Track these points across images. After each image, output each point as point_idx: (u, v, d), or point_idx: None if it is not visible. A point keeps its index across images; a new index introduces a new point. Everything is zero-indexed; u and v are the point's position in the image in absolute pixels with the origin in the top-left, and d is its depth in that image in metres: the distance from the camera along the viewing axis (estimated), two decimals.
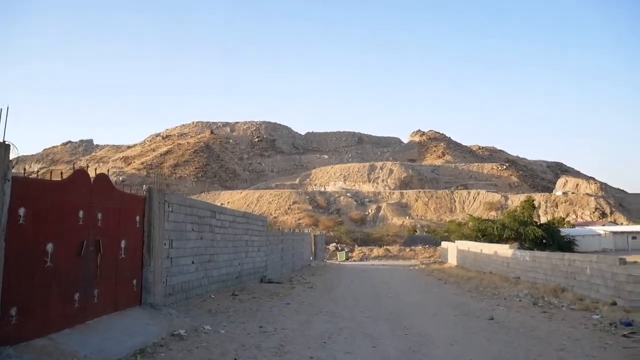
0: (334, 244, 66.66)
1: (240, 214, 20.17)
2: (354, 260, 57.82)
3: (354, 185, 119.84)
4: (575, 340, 10.34)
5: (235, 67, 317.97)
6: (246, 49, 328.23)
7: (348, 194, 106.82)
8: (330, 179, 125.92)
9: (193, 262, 14.12)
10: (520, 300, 16.61)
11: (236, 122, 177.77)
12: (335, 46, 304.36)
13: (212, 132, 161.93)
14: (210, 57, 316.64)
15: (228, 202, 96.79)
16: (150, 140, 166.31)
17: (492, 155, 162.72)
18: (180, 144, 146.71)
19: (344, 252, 60.19)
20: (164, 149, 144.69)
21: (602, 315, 12.99)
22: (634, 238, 63.29)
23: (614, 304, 14.57)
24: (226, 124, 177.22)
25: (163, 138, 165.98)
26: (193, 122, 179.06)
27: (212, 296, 15.23)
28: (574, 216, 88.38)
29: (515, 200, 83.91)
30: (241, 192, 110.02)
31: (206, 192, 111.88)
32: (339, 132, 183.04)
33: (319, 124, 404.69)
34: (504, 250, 26.81)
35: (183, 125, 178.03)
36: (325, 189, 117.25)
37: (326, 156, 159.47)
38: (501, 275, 24.94)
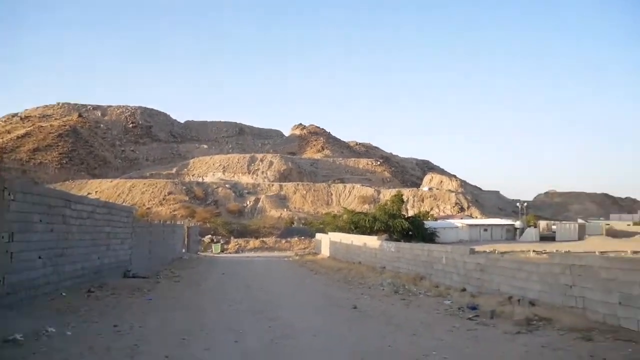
0: (210, 236, 65.21)
1: (101, 204, 18.66)
2: (230, 253, 57.09)
3: (234, 177, 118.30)
4: (427, 325, 11.05)
5: (108, 47, 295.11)
6: None
7: (227, 185, 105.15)
8: (209, 169, 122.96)
9: (40, 257, 12.70)
10: (383, 289, 17.49)
11: (109, 106, 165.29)
12: (219, 35, 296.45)
13: (80, 115, 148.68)
14: (78, 31, 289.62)
15: (96, 192, 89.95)
16: (5, 121, 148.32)
17: (368, 151, 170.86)
18: (41, 126, 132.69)
19: (219, 244, 59.11)
20: (22, 131, 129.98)
21: (453, 301, 14.10)
22: (485, 230, 70.51)
23: (464, 290, 15.92)
24: (97, 107, 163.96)
25: (21, 119, 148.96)
26: (58, 104, 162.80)
27: (64, 294, 13.86)
28: (437, 210, 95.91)
29: (387, 195, 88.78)
30: (112, 181, 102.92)
31: (71, 180, 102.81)
32: (220, 122, 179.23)
33: (199, 112, 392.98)
34: (373, 241, 28.15)
35: (46, 106, 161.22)
36: (203, 179, 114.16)
37: (205, 146, 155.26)
38: (369, 266, 26.14)
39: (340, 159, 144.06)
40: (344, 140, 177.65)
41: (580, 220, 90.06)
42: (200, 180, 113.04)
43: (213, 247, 57.64)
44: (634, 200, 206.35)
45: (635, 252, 41.90)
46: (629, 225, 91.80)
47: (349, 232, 40.73)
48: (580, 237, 67.38)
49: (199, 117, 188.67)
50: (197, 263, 34.13)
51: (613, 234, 73.63)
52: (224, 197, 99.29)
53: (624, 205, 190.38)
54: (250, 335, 9.94)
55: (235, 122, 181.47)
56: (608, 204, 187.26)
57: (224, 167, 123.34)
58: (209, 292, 17.46)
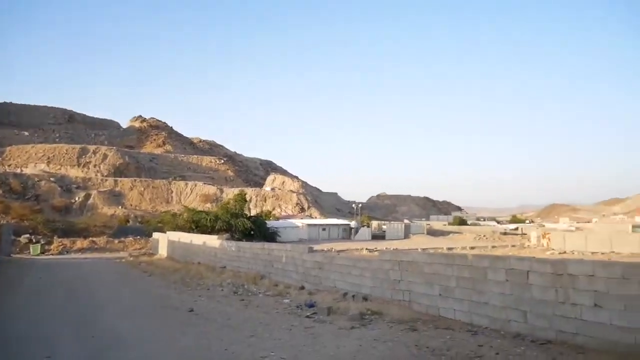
0: (28, 235, 57.49)
1: None
2: (52, 254, 50.96)
3: (60, 169, 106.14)
4: (266, 325, 10.85)
5: None
6: None
7: (52, 179, 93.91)
8: (30, 159, 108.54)
9: None
10: (222, 290, 16.96)
11: None
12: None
13: None
14: None
15: None
16: None
17: (212, 149, 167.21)
18: None
19: (38, 244, 52.36)
20: None
21: (292, 299, 14.18)
22: (324, 230, 73.67)
23: (302, 287, 16.16)
24: None
25: None
26: None
27: None
28: (279, 210, 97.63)
29: (230, 194, 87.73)
30: None
31: None
32: (46, 107, 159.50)
33: (20, 94, 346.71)
34: (213, 240, 27.34)
35: None
36: (22, 171, 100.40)
37: (27, 133, 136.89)
38: (209, 266, 25.29)
39: (183, 155, 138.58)
40: (187, 136, 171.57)
41: (406, 221, 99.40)
42: (18, 171, 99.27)
43: (31, 248, 50.85)
44: (449, 204, 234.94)
45: (449, 248, 47.30)
46: (445, 225, 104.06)
47: (189, 232, 39.18)
48: (406, 236, 74.19)
49: (20, 100, 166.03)
50: (7, 267, 29.70)
51: (432, 232, 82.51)
52: (48, 191, 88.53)
53: (441, 208, 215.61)
54: (68, 348, 8.71)
55: (65, 109, 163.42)
56: (429, 206, 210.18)
57: (48, 158, 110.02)
58: (20, 299, 15.13)
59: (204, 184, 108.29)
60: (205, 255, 27.70)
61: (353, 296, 13.50)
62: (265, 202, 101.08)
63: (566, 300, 8.12)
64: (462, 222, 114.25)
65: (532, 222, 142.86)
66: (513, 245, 54.84)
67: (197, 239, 30.63)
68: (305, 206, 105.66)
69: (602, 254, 40.52)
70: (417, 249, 46.92)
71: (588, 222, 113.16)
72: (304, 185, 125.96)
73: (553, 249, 45.08)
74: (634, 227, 68.77)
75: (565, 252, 42.66)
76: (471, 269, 10.00)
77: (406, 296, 11.98)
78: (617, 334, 7.39)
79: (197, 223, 45.00)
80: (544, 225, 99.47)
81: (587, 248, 43.80)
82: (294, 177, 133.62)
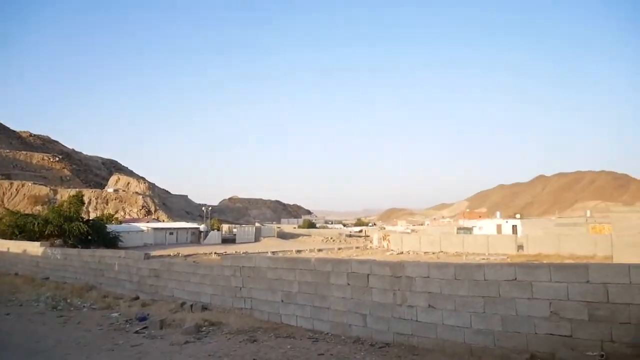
0: None
1: None
2: None
3: None
4: (84, 346, 9.34)
5: None
6: None
7: None
8: None
9: None
10: (38, 305, 14.58)
11: None
12: None
13: None
14: None
15: None
16: None
17: (46, 145, 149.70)
18: None
19: None
20: None
21: (121, 313, 12.62)
22: (171, 234, 70.07)
23: (137, 298, 14.61)
24: None
25: None
26: None
27: None
28: (123, 213, 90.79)
29: (65, 195, 79.22)
30: None
31: None
32: None
33: None
34: (35, 248, 23.86)
35: None
36: None
37: None
38: (28, 277, 21.93)
39: (8, 151, 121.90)
40: (14, 129, 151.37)
41: (257, 224, 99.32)
42: None
43: None
44: (299, 207, 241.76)
45: (298, 251, 48.06)
46: (295, 228, 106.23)
47: (11, 238, 34.20)
48: (257, 239, 73.98)
49: None
50: None
51: (282, 235, 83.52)
52: None
53: (292, 211, 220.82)
54: None
55: None
56: (280, 210, 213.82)
57: None
58: None
59: (34, 183, 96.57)
60: (24, 265, 24.04)
61: (192, 306, 12.46)
62: (107, 204, 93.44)
63: (403, 303, 8.16)
64: (312, 225, 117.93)
65: (375, 224, 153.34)
66: (357, 247, 57.67)
67: (16, 246, 26.56)
68: (152, 209, 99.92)
69: (433, 253, 44.45)
70: (267, 252, 46.79)
71: (421, 224, 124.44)
72: (152, 187, 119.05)
73: (392, 250, 48.28)
74: (458, 229, 77.17)
75: (402, 252, 45.93)
76: (314, 274, 9.69)
77: (248, 304, 11.32)
78: (447, 333, 7.58)
79: (23, 228, 39.75)
80: (384, 228, 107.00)
81: (421, 248, 47.71)
82: (140, 179, 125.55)
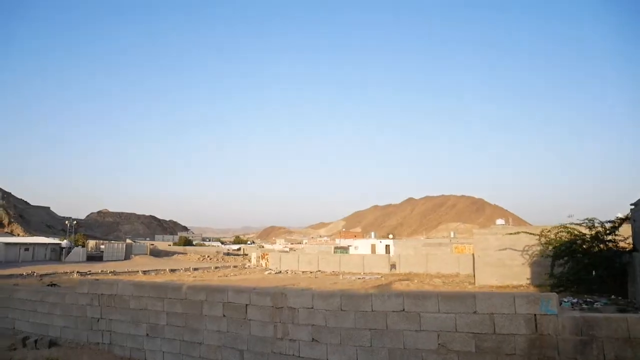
0: None
1: None
2: None
3: None
4: None
5: None
6: None
7: None
8: None
9: None
10: None
11: None
12: None
13: None
14: None
15: None
16: None
17: None
18: None
19: None
20: None
21: None
22: (26, 250, 62.42)
23: None
24: None
25: None
26: None
27: None
28: None
29: None
30: None
31: None
32: None
33: None
34: None
35: None
36: None
37: None
38: None
39: None
40: None
41: (128, 240, 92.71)
42: None
43: None
44: (176, 223, 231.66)
45: (172, 270, 45.26)
46: (170, 245, 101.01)
47: None
48: (127, 257, 68.77)
49: None
50: None
51: (156, 253, 78.75)
52: None
53: (167, 227, 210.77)
54: None
55: None
56: (155, 226, 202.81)
57: None
58: None
59: None
60: None
61: (36, 341, 10.53)
62: None
63: (285, 336, 7.44)
64: (188, 242, 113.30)
65: (254, 242, 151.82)
66: (235, 266, 56.05)
67: None
68: (6, 221, 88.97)
69: (311, 272, 44.56)
70: (137, 271, 43.41)
71: (300, 243, 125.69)
72: (6, 196, 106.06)
73: (271, 269, 47.58)
74: (335, 248, 79.01)
75: (281, 272, 45.41)
76: (185, 303, 8.59)
77: (106, 338, 9.79)
78: None
79: None
80: (263, 246, 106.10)
81: (299, 267, 47.64)
82: None
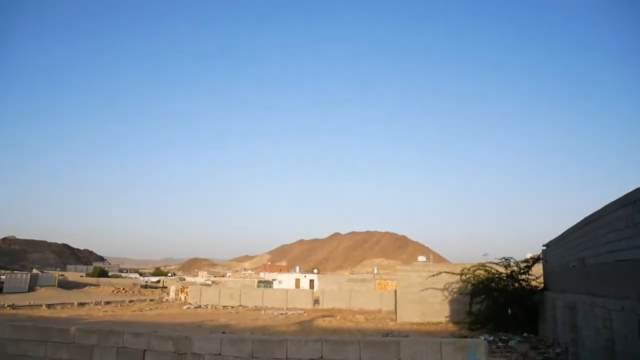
0: None
1: None
2: None
3: None
4: None
5: None
6: None
7: None
8: None
9: None
10: None
11: None
12: None
13: None
14: None
15: None
16: None
17: None
18: None
19: None
20: None
21: None
22: None
23: None
24: None
25: None
26: None
27: None
28: None
29: None
30: None
31: None
32: None
33: None
34: None
35: None
36: None
37: None
38: None
39: None
40: None
41: (34, 270, 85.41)
42: None
43: None
44: (91, 253, 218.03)
45: (81, 304, 41.91)
46: (82, 276, 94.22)
47: None
48: (32, 288, 62.95)
49: None
50: None
51: (65, 284, 72.85)
52: None
53: (82, 257, 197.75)
54: None
55: None
56: (67, 254, 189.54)
57: None
58: None
59: None
60: None
61: None
62: None
63: None
64: (103, 273, 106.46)
65: (174, 274, 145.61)
66: (152, 299, 52.96)
67: None
68: None
69: (232, 307, 42.83)
70: (41, 305, 39.81)
71: (223, 276, 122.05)
72: None
73: (190, 304, 45.27)
74: (259, 282, 77.16)
75: (200, 306, 43.30)
76: (73, 348, 7.43)
77: None
78: None
79: None
80: (184, 279, 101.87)
81: (220, 302, 45.69)
82: None
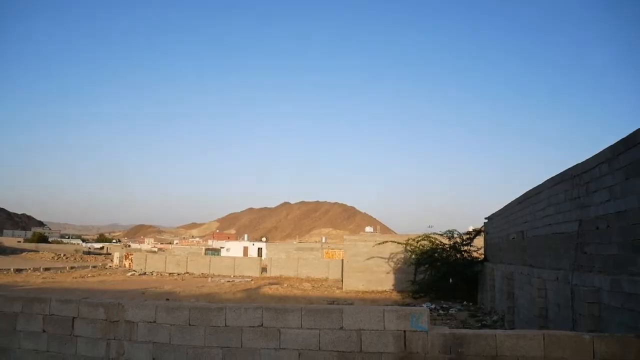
0: None
1: None
2: None
3: None
4: None
5: None
6: None
7: None
8: None
9: None
10: None
11: None
12: None
13: None
14: None
15: None
16: None
17: None
18: None
19: None
20: None
21: None
22: None
23: None
24: None
25: None
26: None
27: None
28: None
29: None
30: None
31: None
32: None
33: None
34: None
35: None
36: None
37: None
38: None
39: None
40: None
41: None
42: None
43: None
44: (30, 218, 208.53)
45: (18, 270, 40.06)
46: (19, 241, 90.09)
47: None
48: None
49: None
50: None
51: (2, 250, 69.52)
52: None
53: (19, 222, 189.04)
54: None
55: None
56: (3, 219, 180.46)
57: None
58: None
59: None
60: None
61: None
62: None
63: (119, 356, 6.21)
64: (43, 239, 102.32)
65: (119, 241, 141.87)
66: (94, 266, 51.36)
67: None
68: None
69: (178, 274, 42.26)
70: None
71: (170, 243, 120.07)
72: None
73: (134, 271, 44.24)
74: (206, 250, 76.34)
75: (145, 273, 42.45)
76: None
77: None
78: None
79: None
80: (129, 246, 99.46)
81: (166, 269, 44.94)
82: None
